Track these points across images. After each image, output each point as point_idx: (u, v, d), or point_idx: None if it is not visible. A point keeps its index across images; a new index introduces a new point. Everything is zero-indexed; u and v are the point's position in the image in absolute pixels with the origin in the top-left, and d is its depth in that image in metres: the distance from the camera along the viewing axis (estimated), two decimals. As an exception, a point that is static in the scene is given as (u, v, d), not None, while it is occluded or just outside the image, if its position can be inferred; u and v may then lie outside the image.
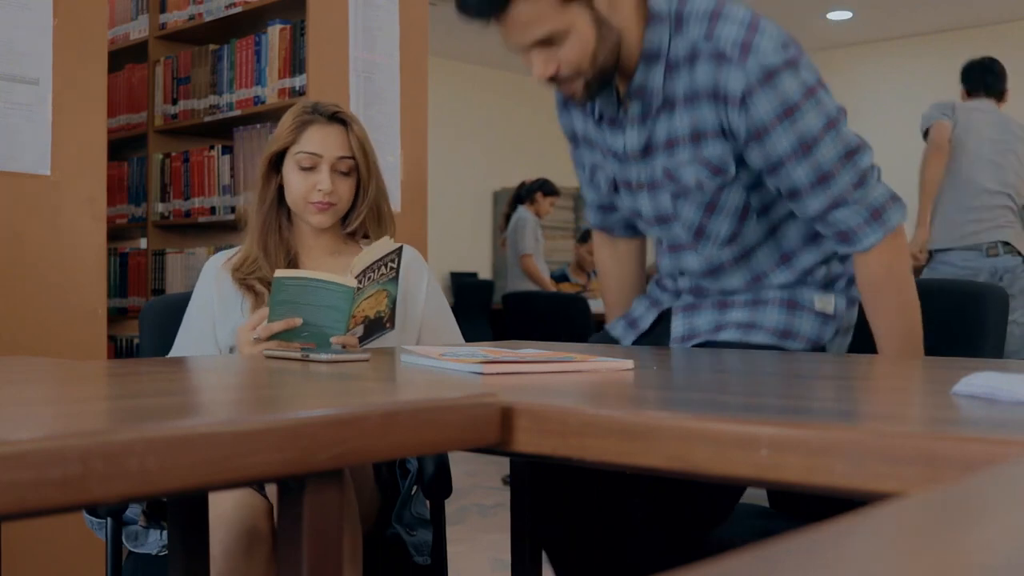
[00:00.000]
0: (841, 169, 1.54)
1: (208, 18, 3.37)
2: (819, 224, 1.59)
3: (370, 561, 1.63)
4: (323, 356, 1.34)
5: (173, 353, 1.85)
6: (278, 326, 1.58)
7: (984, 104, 4.30)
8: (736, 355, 1.61)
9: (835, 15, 8.18)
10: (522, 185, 6.51)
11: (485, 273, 9.66)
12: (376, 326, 1.66)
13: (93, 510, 1.62)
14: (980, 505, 0.45)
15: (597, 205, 1.88)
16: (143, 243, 3.73)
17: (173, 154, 3.55)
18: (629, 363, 1.24)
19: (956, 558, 0.34)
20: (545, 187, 6.39)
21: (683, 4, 1.58)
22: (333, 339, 1.58)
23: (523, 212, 6.29)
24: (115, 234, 3.60)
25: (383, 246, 1.65)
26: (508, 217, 6.49)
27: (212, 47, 3.41)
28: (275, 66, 3.14)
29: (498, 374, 1.15)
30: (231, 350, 1.79)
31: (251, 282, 1.83)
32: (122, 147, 3.72)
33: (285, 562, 0.85)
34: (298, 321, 1.59)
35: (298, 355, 1.38)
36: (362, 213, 1.90)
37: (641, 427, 0.82)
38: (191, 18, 3.45)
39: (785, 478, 0.74)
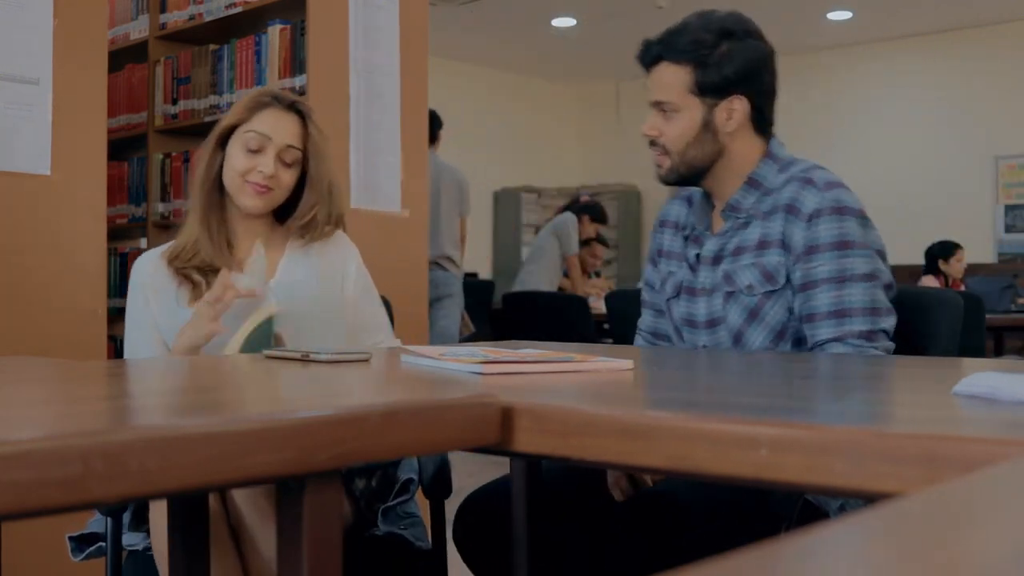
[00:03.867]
0: (860, 316, 1.62)
1: (208, 18, 3.36)
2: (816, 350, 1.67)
3: (365, 560, 1.63)
4: (323, 356, 1.34)
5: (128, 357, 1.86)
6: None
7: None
8: (736, 355, 1.61)
9: (835, 15, 8.18)
10: (575, 200, 6.70)
11: (485, 273, 9.65)
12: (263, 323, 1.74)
13: (82, 537, 1.64)
14: (980, 505, 0.45)
15: (655, 308, 1.95)
16: (143, 243, 3.73)
17: (173, 154, 3.55)
18: (629, 363, 1.24)
19: (956, 558, 0.34)
20: (592, 211, 6.48)
21: (796, 158, 1.78)
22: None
23: (565, 216, 6.38)
24: (115, 234, 3.60)
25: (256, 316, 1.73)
26: (552, 218, 6.66)
27: (212, 47, 3.41)
28: (275, 66, 3.14)
29: (498, 374, 1.15)
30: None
31: (188, 271, 1.83)
32: (122, 147, 3.72)
33: (285, 562, 0.85)
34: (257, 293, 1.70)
35: (298, 355, 1.38)
36: (308, 211, 1.88)
37: (641, 427, 0.82)
38: (191, 18, 3.45)
39: (785, 478, 0.74)
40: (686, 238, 1.85)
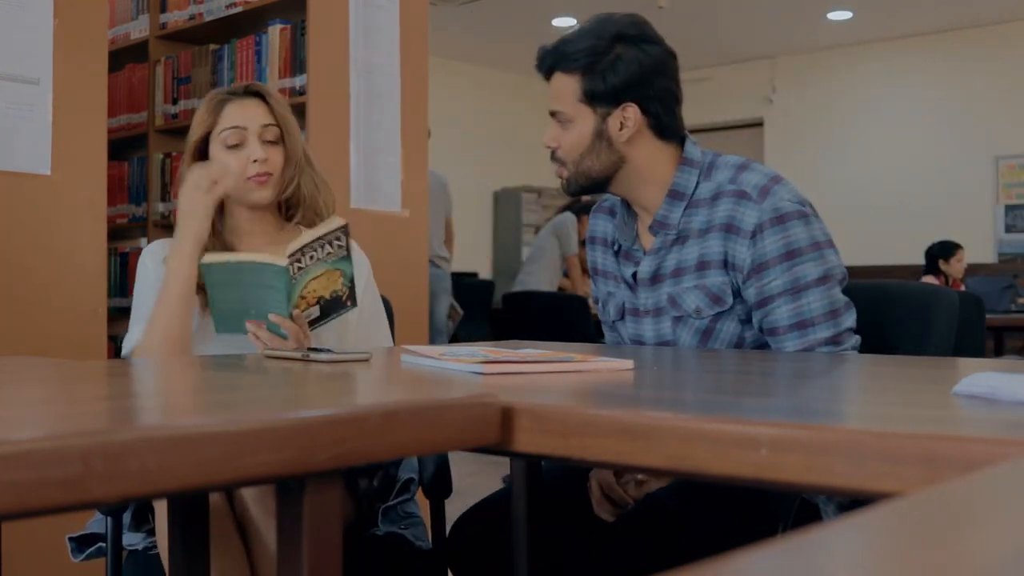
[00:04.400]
0: (822, 323, 1.61)
1: (208, 18, 3.37)
2: None
3: (365, 560, 1.63)
4: (323, 356, 1.34)
5: (134, 327, 1.83)
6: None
7: None
8: (735, 355, 1.61)
9: (835, 15, 8.18)
10: (576, 200, 6.69)
11: (485, 273, 9.66)
12: (334, 305, 1.68)
13: (82, 538, 1.64)
14: (980, 505, 0.45)
15: (608, 324, 1.92)
16: (143, 243, 3.73)
17: (173, 154, 3.55)
18: (629, 363, 1.24)
19: (956, 558, 0.34)
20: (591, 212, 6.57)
21: (716, 156, 1.73)
22: (271, 316, 1.62)
23: (564, 215, 6.42)
24: (115, 234, 3.60)
25: (327, 224, 1.66)
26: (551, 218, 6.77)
27: (212, 47, 3.41)
28: (275, 66, 3.14)
29: (498, 374, 1.15)
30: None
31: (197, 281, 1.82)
32: (122, 147, 3.72)
33: (285, 562, 0.85)
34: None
35: (298, 355, 1.38)
36: (294, 179, 1.86)
37: (641, 427, 0.82)
38: (191, 18, 3.45)
39: (785, 478, 0.74)
40: (616, 254, 1.81)
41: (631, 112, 1.67)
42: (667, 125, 1.70)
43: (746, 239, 1.61)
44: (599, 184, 1.74)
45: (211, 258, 1.65)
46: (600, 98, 1.67)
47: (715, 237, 1.65)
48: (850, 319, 1.63)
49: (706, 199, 1.68)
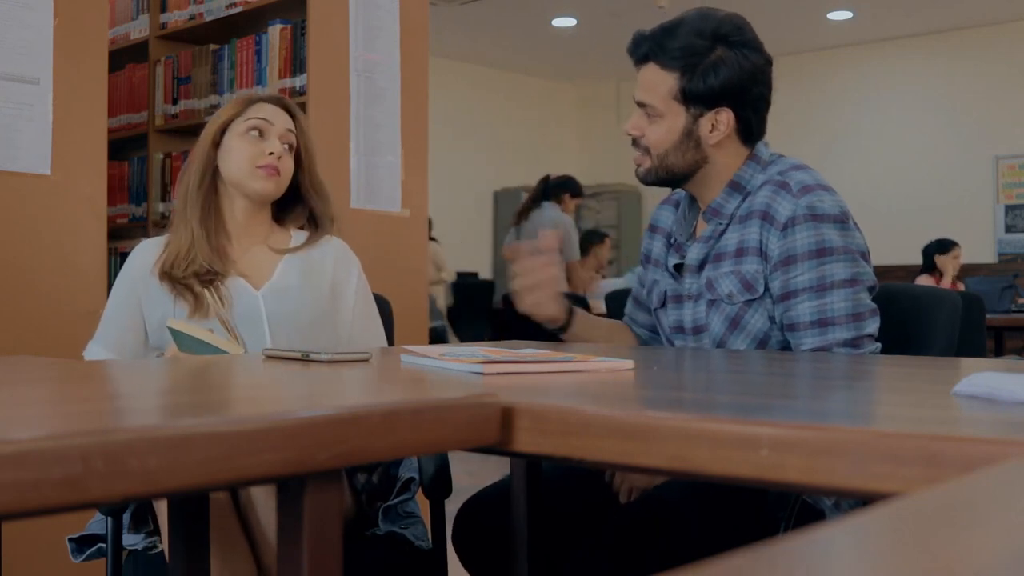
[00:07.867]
0: (843, 324, 1.59)
1: (209, 18, 3.37)
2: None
3: (365, 560, 1.63)
4: (323, 356, 1.34)
5: (96, 341, 1.89)
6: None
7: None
8: (735, 355, 1.61)
9: (835, 15, 8.18)
10: (546, 179, 6.20)
11: (485, 273, 9.66)
12: None
13: (82, 539, 1.64)
14: (980, 505, 0.45)
15: (636, 299, 1.95)
16: (143, 243, 3.73)
17: (174, 154, 3.55)
18: (629, 363, 1.24)
19: (956, 558, 0.34)
20: (572, 187, 6.18)
21: (780, 157, 1.75)
22: None
23: (556, 213, 5.98)
24: (115, 234, 3.60)
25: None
26: (526, 211, 6.08)
27: (213, 47, 3.41)
28: (275, 66, 3.14)
29: (498, 374, 1.15)
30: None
31: (188, 281, 1.80)
32: (123, 147, 3.72)
33: (285, 562, 0.85)
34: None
35: (298, 355, 1.38)
36: (307, 196, 1.92)
37: (641, 427, 0.82)
38: (192, 18, 3.45)
39: (785, 478, 0.74)
40: (670, 246, 1.82)
41: (724, 117, 1.67)
42: (755, 132, 1.72)
43: (778, 230, 1.61)
44: (677, 180, 1.75)
45: (179, 325, 1.68)
46: (696, 99, 1.66)
47: (753, 224, 1.65)
48: (872, 325, 1.62)
49: (755, 189, 1.69)
